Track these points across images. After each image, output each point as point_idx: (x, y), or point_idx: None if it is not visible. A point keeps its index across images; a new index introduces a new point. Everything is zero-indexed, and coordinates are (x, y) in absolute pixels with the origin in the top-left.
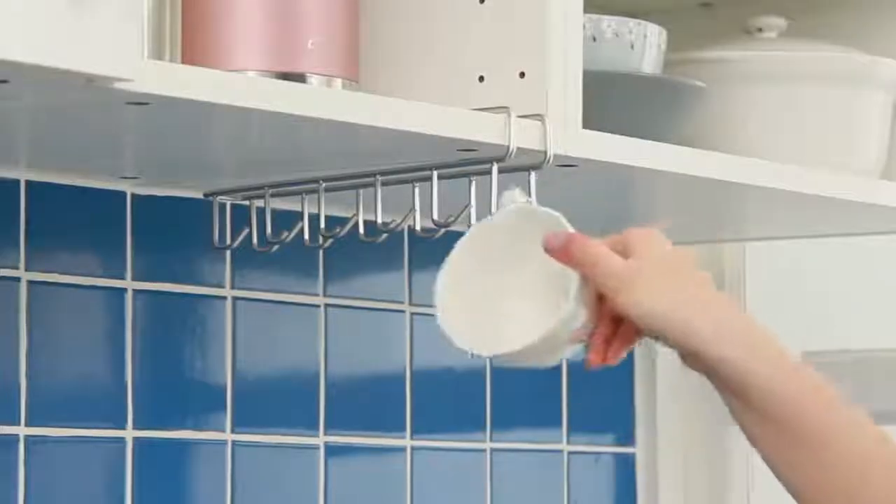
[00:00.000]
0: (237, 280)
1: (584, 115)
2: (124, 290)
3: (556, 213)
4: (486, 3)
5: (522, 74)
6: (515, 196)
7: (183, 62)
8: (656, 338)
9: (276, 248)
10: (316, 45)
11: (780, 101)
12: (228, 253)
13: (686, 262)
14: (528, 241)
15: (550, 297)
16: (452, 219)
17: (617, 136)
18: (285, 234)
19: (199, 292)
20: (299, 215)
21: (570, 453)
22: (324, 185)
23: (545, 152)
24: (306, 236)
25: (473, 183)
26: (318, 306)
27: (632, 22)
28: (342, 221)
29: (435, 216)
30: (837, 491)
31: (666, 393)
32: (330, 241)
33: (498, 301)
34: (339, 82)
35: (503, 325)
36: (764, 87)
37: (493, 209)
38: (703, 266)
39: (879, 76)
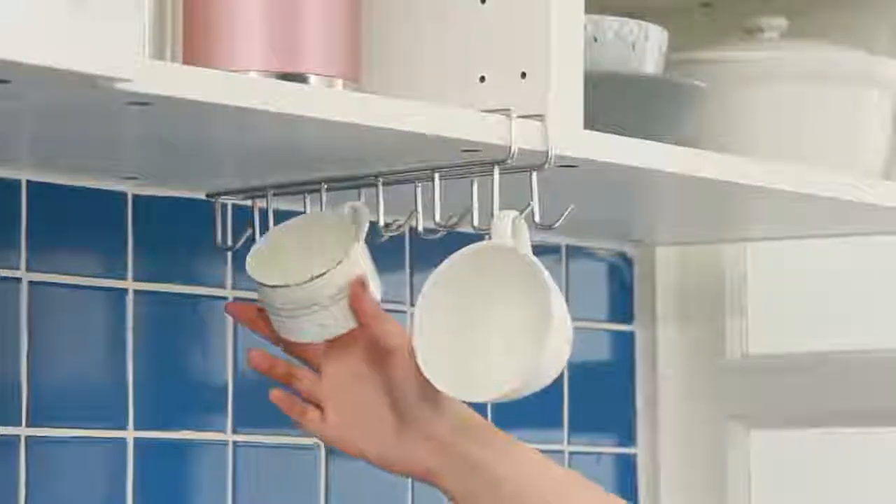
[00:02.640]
0: (238, 280)
1: (585, 116)
2: (125, 290)
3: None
4: (486, 3)
5: (524, 75)
6: (509, 216)
7: (184, 62)
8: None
9: None
10: (317, 45)
11: (780, 101)
12: (229, 253)
13: None
14: (493, 279)
15: (524, 335)
16: (455, 220)
17: (617, 137)
18: None
19: (200, 293)
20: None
21: (570, 453)
22: (325, 185)
23: (546, 153)
24: None
25: (475, 184)
26: None
27: (633, 22)
28: None
29: (437, 217)
30: None
31: (667, 393)
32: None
33: (476, 341)
34: (340, 82)
35: (484, 368)
36: (764, 87)
37: (496, 210)
38: (704, 266)
39: (880, 76)
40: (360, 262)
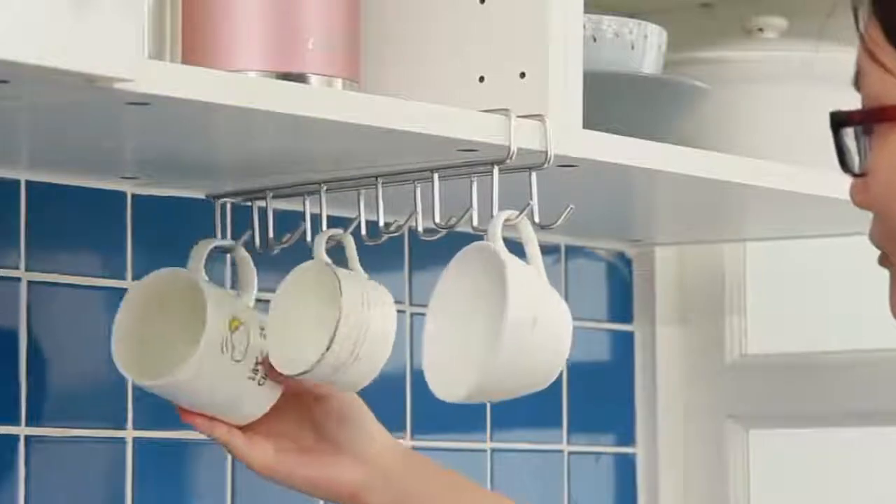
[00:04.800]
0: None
1: (585, 116)
2: (125, 290)
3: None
4: (486, 3)
5: (523, 75)
6: (502, 216)
7: (183, 62)
8: None
9: (277, 250)
10: (316, 45)
11: (780, 101)
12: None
13: None
14: (483, 278)
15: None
16: (454, 220)
17: (617, 136)
18: (287, 236)
19: None
20: (301, 216)
21: (570, 453)
22: (325, 187)
23: (546, 152)
24: (308, 238)
25: (475, 184)
26: None
27: (632, 22)
28: (344, 223)
29: (437, 217)
30: None
31: (666, 393)
32: (332, 243)
33: (464, 343)
34: (339, 82)
35: (462, 368)
36: (764, 87)
37: (495, 210)
38: (704, 266)
39: None
40: (356, 305)
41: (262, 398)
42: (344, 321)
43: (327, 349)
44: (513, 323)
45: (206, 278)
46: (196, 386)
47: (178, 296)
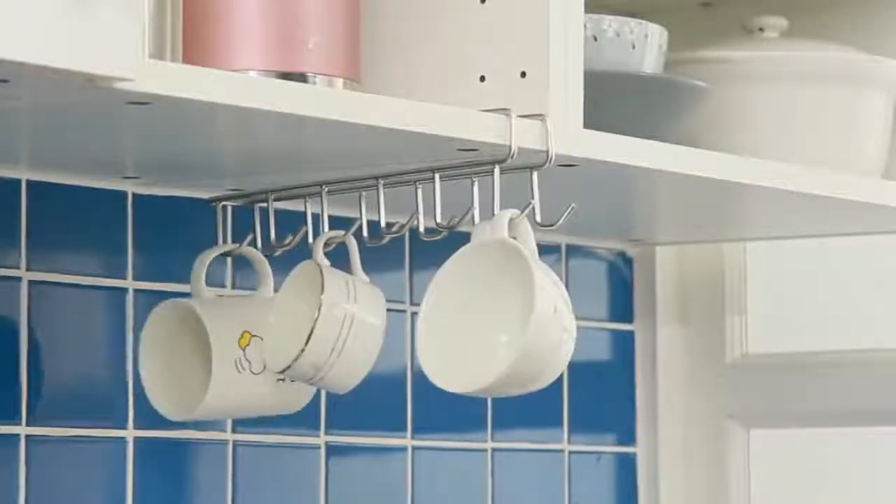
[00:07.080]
0: (238, 281)
1: (585, 115)
2: (125, 290)
3: (518, 246)
4: (486, 2)
5: (523, 74)
6: (507, 214)
7: (184, 62)
8: None
9: (278, 252)
10: (317, 44)
11: (780, 101)
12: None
13: None
14: (493, 273)
15: (509, 331)
16: (455, 220)
17: (617, 136)
18: (289, 238)
19: None
20: (301, 216)
21: (570, 453)
22: (326, 188)
23: (546, 152)
24: (310, 240)
25: (476, 184)
26: None
27: (633, 22)
28: (345, 223)
29: (438, 218)
30: None
31: (667, 392)
32: (333, 245)
33: (471, 335)
34: (340, 82)
35: (476, 360)
36: (764, 87)
37: (496, 210)
38: (704, 266)
39: (880, 76)
40: (339, 303)
41: (299, 393)
42: (322, 319)
43: (305, 346)
44: (540, 316)
45: (208, 294)
46: (228, 406)
47: (186, 325)
